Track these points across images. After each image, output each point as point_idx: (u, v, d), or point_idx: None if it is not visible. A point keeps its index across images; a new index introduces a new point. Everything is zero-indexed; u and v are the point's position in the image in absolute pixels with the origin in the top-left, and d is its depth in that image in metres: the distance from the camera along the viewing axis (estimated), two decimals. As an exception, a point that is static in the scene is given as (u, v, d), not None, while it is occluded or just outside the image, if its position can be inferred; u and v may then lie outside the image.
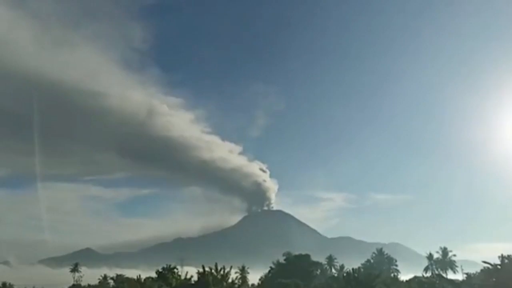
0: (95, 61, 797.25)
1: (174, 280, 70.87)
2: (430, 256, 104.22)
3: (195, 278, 68.11)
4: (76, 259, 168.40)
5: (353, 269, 77.41)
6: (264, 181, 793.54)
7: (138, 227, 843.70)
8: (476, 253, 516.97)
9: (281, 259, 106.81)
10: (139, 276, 78.94)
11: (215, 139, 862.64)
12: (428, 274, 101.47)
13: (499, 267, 55.42)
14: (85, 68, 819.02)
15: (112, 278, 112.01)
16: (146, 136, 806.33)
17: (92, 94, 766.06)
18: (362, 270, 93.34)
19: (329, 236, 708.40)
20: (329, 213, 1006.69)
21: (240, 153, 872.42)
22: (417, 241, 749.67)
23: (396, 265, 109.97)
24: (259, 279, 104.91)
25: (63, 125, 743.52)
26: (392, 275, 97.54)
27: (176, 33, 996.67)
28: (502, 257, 55.91)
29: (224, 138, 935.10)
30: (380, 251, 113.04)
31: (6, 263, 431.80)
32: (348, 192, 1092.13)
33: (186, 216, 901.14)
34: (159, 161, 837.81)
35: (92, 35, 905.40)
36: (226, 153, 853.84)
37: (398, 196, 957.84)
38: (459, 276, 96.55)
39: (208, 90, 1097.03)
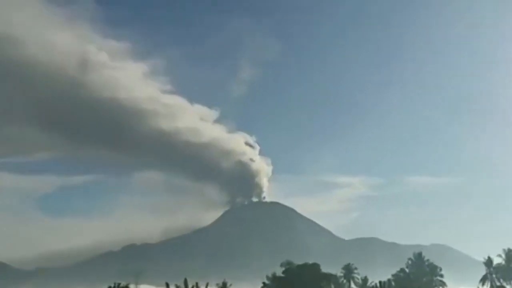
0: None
1: (125, 304, 71.79)
2: (488, 262, 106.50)
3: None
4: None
5: (380, 282, 79.25)
6: (252, 160, 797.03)
7: (71, 231, 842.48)
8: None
9: (279, 272, 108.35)
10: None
11: (179, 102, 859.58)
12: (487, 286, 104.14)
13: None
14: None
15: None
16: (79, 100, 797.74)
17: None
18: (393, 283, 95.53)
19: (346, 238, 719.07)
20: (346, 204, 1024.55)
21: (217, 121, 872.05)
22: (470, 242, 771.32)
23: (442, 275, 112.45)
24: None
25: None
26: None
27: None
28: None
29: (192, 99, 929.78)
30: (418, 257, 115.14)
31: None
32: (372, 175, 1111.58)
33: (140, 213, 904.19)
34: (100, 135, 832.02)
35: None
36: (196, 121, 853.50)
37: (442, 179, 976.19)
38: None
39: (168, 30, 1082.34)
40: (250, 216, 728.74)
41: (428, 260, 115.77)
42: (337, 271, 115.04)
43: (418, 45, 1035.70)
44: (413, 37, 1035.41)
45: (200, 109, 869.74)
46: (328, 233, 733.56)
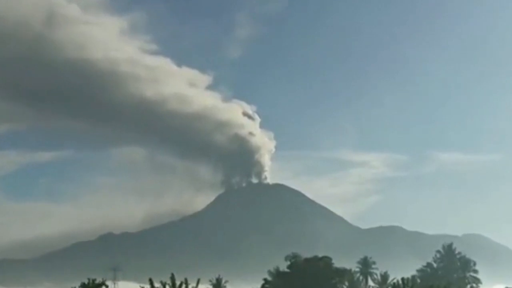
0: None
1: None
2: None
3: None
4: None
5: (403, 279, 79.57)
6: (252, 134, 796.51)
7: (37, 217, 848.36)
8: None
9: (283, 266, 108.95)
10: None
11: (165, 64, 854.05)
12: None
13: None
14: None
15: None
16: (45, 61, 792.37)
17: None
18: (418, 280, 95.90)
19: (363, 226, 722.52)
20: (363, 187, 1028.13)
21: (209, 87, 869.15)
22: (510, 231, 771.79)
23: (476, 271, 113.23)
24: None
25: None
26: (469, 286, 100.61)
27: None
28: None
29: (180, 61, 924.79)
30: (448, 249, 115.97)
31: None
32: (394, 151, 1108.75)
33: (119, 197, 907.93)
34: (70, 103, 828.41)
35: None
36: (184, 87, 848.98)
37: (476, 156, 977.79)
38: None
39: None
40: (248, 200, 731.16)
41: (459, 253, 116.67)
42: (352, 265, 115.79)
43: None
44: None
45: (189, 73, 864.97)
46: (342, 220, 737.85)
